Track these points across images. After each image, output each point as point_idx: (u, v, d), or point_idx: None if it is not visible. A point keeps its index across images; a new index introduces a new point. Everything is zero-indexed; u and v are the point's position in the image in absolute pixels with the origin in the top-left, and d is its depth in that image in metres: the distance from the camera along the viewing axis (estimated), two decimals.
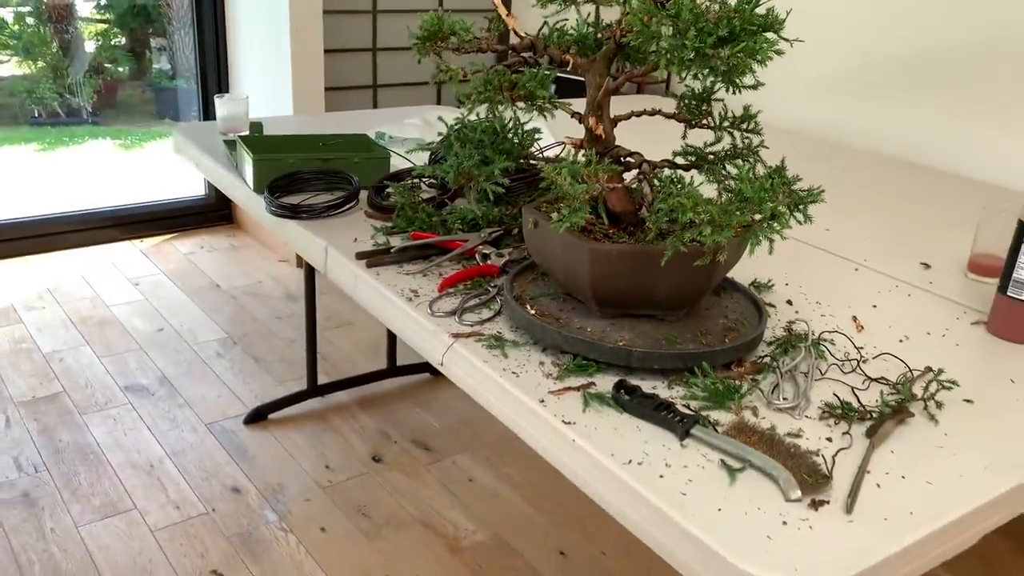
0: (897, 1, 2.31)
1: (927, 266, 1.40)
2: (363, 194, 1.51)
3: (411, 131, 1.93)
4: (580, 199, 0.92)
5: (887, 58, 2.35)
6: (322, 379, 2.29)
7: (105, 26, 4.71)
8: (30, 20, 4.51)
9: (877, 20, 2.37)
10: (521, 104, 0.99)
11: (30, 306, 2.70)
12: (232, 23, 3.17)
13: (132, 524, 1.78)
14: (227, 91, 3.28)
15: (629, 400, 0.91)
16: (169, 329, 2.62)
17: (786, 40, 0.88)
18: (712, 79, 0.93)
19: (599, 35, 1.09)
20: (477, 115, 1.11)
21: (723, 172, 1.08)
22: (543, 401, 0.92)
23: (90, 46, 4.68)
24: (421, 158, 1.67)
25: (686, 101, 1.12)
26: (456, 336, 1.05)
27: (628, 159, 1.05)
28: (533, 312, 1.05)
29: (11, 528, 1.75)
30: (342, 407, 2.26)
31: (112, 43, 4.78)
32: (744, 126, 1.10)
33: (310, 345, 2.21)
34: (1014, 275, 1.12)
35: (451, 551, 1.77)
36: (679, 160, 1.09)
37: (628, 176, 1.05)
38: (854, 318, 1.18)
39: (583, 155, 1.05)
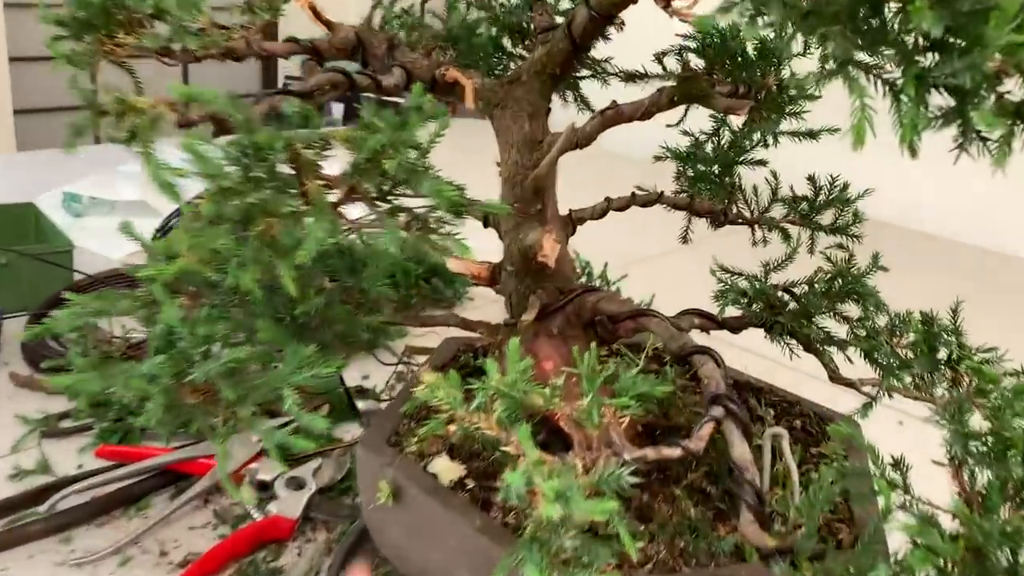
0: None
1: None
2: (11, 328, 0.78)
3: (127, 188, 1.19)
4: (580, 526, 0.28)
5: None
6: None
7: None
8: None
9: None
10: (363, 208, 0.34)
11: None
12: None
13: None
14: None
15: None
16: None
17: None
18: None
19: (525, 18, 0.46)
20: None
21: (812, 331, 0.49)
22: None
23: None
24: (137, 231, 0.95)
25: (697, 171, 0.52)
26: None
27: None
28: None
29: None
30: None
31: None
32: (837, 219, 0.51)
33: None
34: None
35: None
36: (726, 314, 0.48)
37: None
38: None
39: (551, 384, 0.41)
